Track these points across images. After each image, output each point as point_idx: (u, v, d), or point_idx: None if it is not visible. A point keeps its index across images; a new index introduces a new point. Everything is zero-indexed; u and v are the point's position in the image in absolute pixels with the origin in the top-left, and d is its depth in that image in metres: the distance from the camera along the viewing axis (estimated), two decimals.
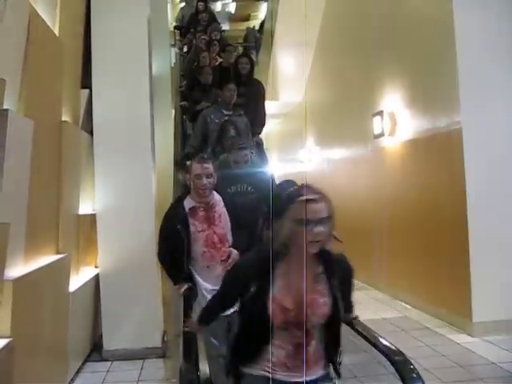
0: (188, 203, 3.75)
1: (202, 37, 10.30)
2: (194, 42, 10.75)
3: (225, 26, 17.65)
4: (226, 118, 6.30)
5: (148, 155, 5.85)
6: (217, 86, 7.46)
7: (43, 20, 4.14)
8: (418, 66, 6.88)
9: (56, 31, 4.61)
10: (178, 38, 13.44)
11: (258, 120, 7.24)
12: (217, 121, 6.31)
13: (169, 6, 13.05)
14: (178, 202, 3.93)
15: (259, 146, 7.19)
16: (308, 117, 12.27)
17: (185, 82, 9.66)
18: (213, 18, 12.44)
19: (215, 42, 9.61)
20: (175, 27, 13.71)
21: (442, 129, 6.23)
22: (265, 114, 7.45)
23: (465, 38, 5.88)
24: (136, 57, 5.87)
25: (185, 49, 12.16)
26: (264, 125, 7.45)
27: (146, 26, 6.00)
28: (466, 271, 5.69)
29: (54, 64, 4.48)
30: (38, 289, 3.77)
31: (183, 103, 8.65)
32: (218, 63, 8.99)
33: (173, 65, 11.46)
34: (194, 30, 11.60)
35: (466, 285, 5.69)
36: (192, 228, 3.68)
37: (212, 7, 15.04)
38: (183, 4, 15.83)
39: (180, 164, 6.40)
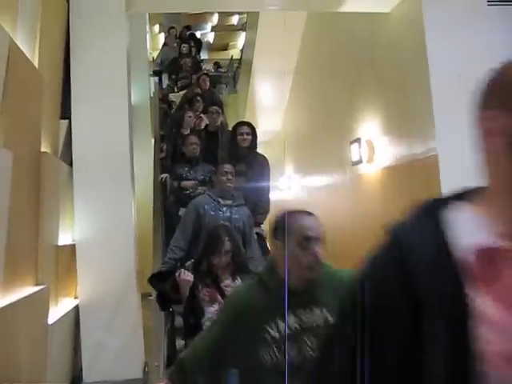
0: None
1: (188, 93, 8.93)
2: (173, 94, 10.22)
3: (203, 56, 17.81)
4: (225, 208, 5.07)
5: (128, 185, 5.85)
6: (204, 157, 6.25)
7: (22, 52, 4.16)
8: (395, 94, 7.01)
9: (35, 63, 4.63)
10: (156, 83, 12.42)
11: (260, 207, 6.20)
12: (212, 213, 5.07)
13: (148, 35, 13.13)
14: None
15: (261, 239, 5.90)
16: (287, 145, 12.38)
17: (164, 146, 7.96)
18: (197, 65, 11.51)
19: (198, 98, 8.21)
20: (154, 72, 12.53)
21: (419, 155, 6.32)
22: (269, 199, 6.30)
23: (437, 67, 6.00)
24: (115, 87, 5.91)
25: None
26: (268, 212, 6.16)
27: (125, 57, 6.05)
28: None
29: (33, 95, 4.48)
30: (16, 321, 3.72)
31: (164, 176, 6.72)
32: (203, 127, 7.43)
33: (152, 94, 11.52)
34: (176, 76, 10.89)
35: None
36: None
37: (196, 52, 13.80)
38: (162, 43, 14.81)
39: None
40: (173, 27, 13.73)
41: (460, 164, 5.82)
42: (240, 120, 5.87)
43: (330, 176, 9.55)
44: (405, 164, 6.68)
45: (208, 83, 8.96)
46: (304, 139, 10.94)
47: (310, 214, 2.47)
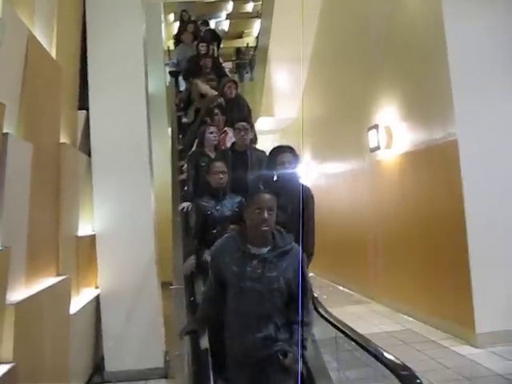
0: None
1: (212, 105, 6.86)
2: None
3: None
4: (255, 262, 3.31)
5: (146, 174, 5.87)
6: (231, 184, 4.98)
7: (41, 43, 4.17)
8: (413, 80, 6.93)
9: (53, 54, 4.64)
10: (173, 85, 11.07)
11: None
12: (235, 269, 3.39)
13: (162, 25, 13.12)
14: None
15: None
16: (304, 132, 12.32)
17: (185, 165, 6.51)
18: (218, 66, 9.74)
19: (216, 111, 6.47)
20: (170, 72, 11.46)
21: (438, 141, 6.25)
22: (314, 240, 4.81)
23: (457, 50, 5.93)
24: (132, 77, 5.91)
25: (186, 119, 8.82)
26: (313, 255, 4.69)
27: (142, 47, 6.05)
28: (467, 282, 5.68)
29: (51, 87, 4.49)
30: (39, 312, 3.75)
31: (185, 205, 5.54)
32: (229, 145, 6.00)
33: (167, 84, 11.51)
34: (194, 78, 8.84)
35: (468, 296, 5.67)
36: None
37: (216, 50, 11.73)
38: (175, 38, 12.60)
39: None
40: (185, 10, 12.58)
41: (481, 148, 5.80)
42: (279, 145, 4.21)
43: (347, 163, 9.49)
44: (424, 149, 6.62)
45: (234, 91, 7.39)
46: (321, 126, 10.88)
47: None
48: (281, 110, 12.60)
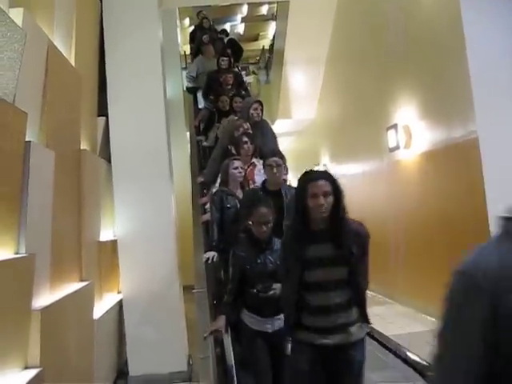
0: None
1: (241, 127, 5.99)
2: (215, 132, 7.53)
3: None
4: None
5: (166, 179, 5.90)
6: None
7: (60, 52, 4.22)
8: (431, 78, 6.88)
9: (72, 62, 4.69)
10: (191, 103, 10.15)
11: None
12: None
13: (178, 30, 13.17)
14: None
15: None
16: (322, 133, 12.29)
17: (207, 205, 5.65)
18: (239, 81, 8.96)
19: (245, 139, 5.54)
20: (187, 89, 10.32)
21: (458, 139, 6.20)
22: None
23: (476, 46, 5.88)
24: (150, 83, 5.95)
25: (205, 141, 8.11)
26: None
27: (159, 52, 6.09)
28: None
29: (71, 94, 4.54)
30: (64, 317, 3.80)
31: (211, 255, 4.79)
32: (259, 182, 5.19)
33: (185, 84, 11.51)
34: (215, 96, 8.27)
35: None
36: None
37: (237, 66, 10.94)
38: (193, 48, 11.99)
39: None
40: (205, 17, 11.79)
41: (502, 146, 5.73)
42: (310, 169, 2.93)
43: (366, 163, 9.45)
44: (444, 148, 6.57)
45: (261, 113, 6.40)
46: (339, 127, 10.86)
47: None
48: (298, 111, 12.60)
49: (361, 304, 3.07)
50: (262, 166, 5.09)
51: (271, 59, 14.64)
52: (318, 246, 2.99)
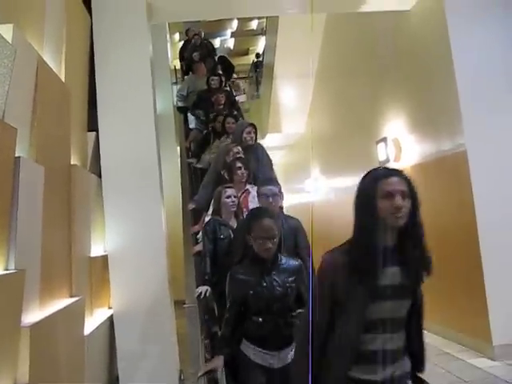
0: None
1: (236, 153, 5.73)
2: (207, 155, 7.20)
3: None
4: None
5: (157, 193, 5.89)
6: None
7: (50, 68, 4.22)
8: (420, 91, 6.95)
9: (62, 77, 4.70)
10: (181, 122, 9.87)
11: None
12: None
13: (168, 44, 13.22)
14: None
15: None
16: (312, 147, 12.35)
17: (200, 239, 5.42)
18: (231, 100, 8.64)
19: (239, 165, 5.34)
20: (178, 108, 10.09)
21: (447, 152, 6.26)
22: None
23: (463, 60, 5.96)
24: (140, 97, 5.96)
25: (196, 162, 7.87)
26: None
27: (149, 67, 6.10)
28: (482, 293, 5.64)
29: (61, 109, 4.54)
30: (54, 334, 3.76)
31: (203, 290, 4.51)
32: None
33: (175, 103, 11.54)
34: (206, 117, 8.12)
35: (483, 307, 5.63)
36: None
37: (229, 85, 10.73)
38: (183, 66, 12.11)
39: None
40: (196, 34, 11.84)
41: (490, 158, 5.79)
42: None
43: (357, 176, 9.39)
44: (433, 161, 6.62)
45: (254, 136, 6.17)
46: (329, 141, 10.91)
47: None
48: (288, 125, 12.65)
49: (420, 351, 2.54)
50: (256, 193, 4.77)
51: (261, 73, 14.72)
52: (385, 270, 2.23)
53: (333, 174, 11.05)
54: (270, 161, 6.32)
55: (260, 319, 3.27)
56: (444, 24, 6.03)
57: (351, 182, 9.74)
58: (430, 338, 6.60)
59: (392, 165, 7.68)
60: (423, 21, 6.77)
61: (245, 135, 6.19)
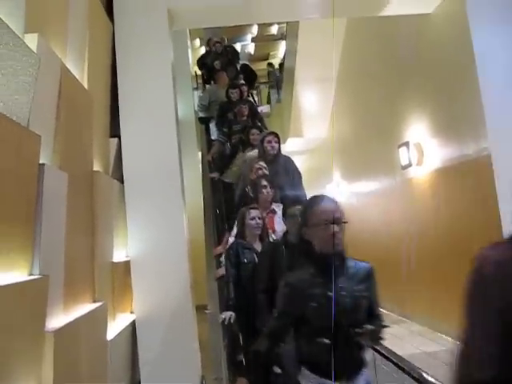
0: None
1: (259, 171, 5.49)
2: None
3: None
4: None
5: (178, 199, 5.91)
6: None
7: (73, 75, 4.26)
8: (441, 95, 6.89)
9: (85, 84, 4.74)
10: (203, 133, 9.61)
11: None
12: None
13: (189, 50, 13.29)
14: None
15: None
16: (334, 151, 12.32)
17: (223, 267, 5.19)
18: (253, 111, 8.33)
19: (264, 183, 5.11)
20: (199, 119, 9.96)
21: (470, 156, 6.19)
22: None
23: (485, 63, 5.88)
24: (162, 103, 5.99)
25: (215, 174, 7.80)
26: None
27: (171, 73, 6.14)
28: None
29: (84, 116, 4.58)
30: (77, 338, 3.79)
31: (228, 316, 4.55)
32: (280, 233, 4.72)
33: (197, 103, 11.56)
34: (228, 129, 7.85)
35: None
36: None
37: (251, 93, 10.60)
38: (205, 85, 11.68)
39: None
40: (218, 42, 11.76)
41: None
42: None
43: (379, 181, 9.44)
44: (456, 165, 6.56)
45: (277, 145, 5.80)
46: (351, 145, 10.86)
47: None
48: (309, 130, 12.64)
49: None
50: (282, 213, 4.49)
51: (282, 78, 14.74)
52: None
53: (354, 178, 11.00)
54: (299, 173, 5.96)
55: (326, 341, 2.59)
56: (466, 27, 5.97)
57: (373, 186, 9.70)
58: (455, 345, 6.51)
59: (414, 169, 7.62)
60: (445, 24, 6.72)
61: (265, 145, 5.93)
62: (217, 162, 8.14)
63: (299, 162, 14.33)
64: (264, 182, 5.22)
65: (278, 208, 4.97)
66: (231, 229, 5.13)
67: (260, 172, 5.55)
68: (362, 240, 9.76)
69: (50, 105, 3.67)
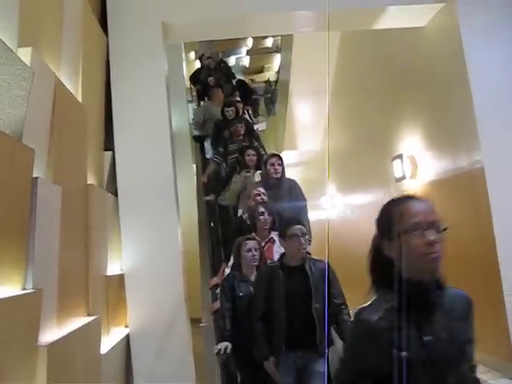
0: None
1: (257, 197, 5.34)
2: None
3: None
4: None
5: (173, 213, 5.91)
6: None
7: (67, 89, 4.28)
8: (435, 108, 6.92)
9: (79, 98, 4.75)
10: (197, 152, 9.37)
11: None
12: None
13: (184, 63, 13.34)
14: None
15: None
16: (328, 164, 12.34)
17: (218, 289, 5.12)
18: (249, 129, 8.04)
19: (262, 210, 5.03)
20: (194, 137, 9.69)
21: (464, 168, 6.21)
22: None
23: (478, 76, 5.93)
24: (156, 116, 6.00)
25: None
26: None
27: (165, 87, 6.16)
28: (501, 311, 5.55)
29: (78, 130, 4.59)
30: (71, 352, 3.77)
31: (223, 346, 4.36)
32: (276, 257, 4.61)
33: (191, 120, 11.61)
34: (224, 149, 7.55)
35: (504, 327, 5.53)
36: None
37: (247, 110, 10.17)
38: (196, 101, 11.71)
39: None
40: (210, 57, 11.68)
41: (509, 175, 5.73)
42: None
43: (373, 193, 9.45)
44: (450, 178, 6.57)
45: (280, 168, 5.56)
46: (345, 158, 10.88)
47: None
48: (304, 142, 12.66)
49: None
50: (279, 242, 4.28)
51: (276, 91, 14.79)
52: None
53: (349, 191, 11.02)
54: (304, 199, 5.67)
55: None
56: (459, 40, 6.03)
57: (367, 199, 9.71)
58: None
59: (408, 182, 7.64)
60: (438, 37, 6.77)
61: (268, 167, 5.62)
62: (212, 184, 7.73)
63: (294, 175, 14.37)
64: (261, 209, 4.95)
65: (276, 236, 4.63)
66: (228, 258, 4.90)
67: (258, 198, 5.27)
68: (355, 252, 9.76)
69: (43, 118, 3.68)
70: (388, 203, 2.18)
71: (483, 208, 5.76)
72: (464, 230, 6.28)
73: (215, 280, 5.32)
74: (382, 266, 1.97)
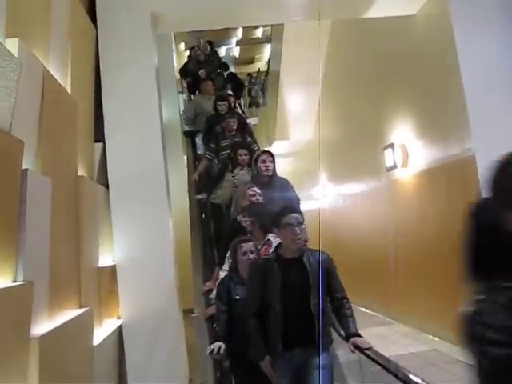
0: None
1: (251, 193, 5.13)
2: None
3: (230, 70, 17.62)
4: None
5: (164, 203, 5.90)
6: None
7: (56, 80, 4.24)
8: (426, 97, 6.94)
9: (68, 89, 4.71)
10: (189, 147, 9.13)
11: None
12: None
13: (174, 54, 13.26)
14: None
15: None
16: (320, 153, 12.35)
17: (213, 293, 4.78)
18: (242, 124, 7.77)
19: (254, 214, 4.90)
20: (185, 133, 9.38)
21: (455, 157, 6.23)
22: None
23: (469, 65, 5.93)
24: (146, 107, 5.98)
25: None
26: None
27: (155, 77, 6.13)
28: None
29: (67, 121, 4.56)
30: (63, 344, 3.76)
31: (217, 346, 4.00)
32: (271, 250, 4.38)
33: (181, 112, 11.50)
34: (216, 145, 7.22)
35: None
36: None
37: (238, 107, 9.67)
38: (185, 95, 11.66)
39: None
40: (199, 48, 11.38)
41: None
42: None
43: (365, 183, 9.47)
44: (441, 166, 6.59)
45: (272, 165, 5.42)
46: (336, 147, 10.89)
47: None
48: (295, 133, 12.65)
49: None
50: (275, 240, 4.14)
51: (267, 81, 14.76)
52: None
53: (340, 180, 11.04)
54: (298, 199, 5.58)
55: None
56: (450, 28, 6.02)
57: (359, 188, 9.73)
58: (443, 346, 6.55)
59: (400, 171, 7.66)
60: (429, 25, 6.77)
61: (259, 165, 5.45)
62: (204, 181, 7.46)
63: (285, 165, 14.38)
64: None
65: (274, 238, 4.39)
66: (222, 261, 4.81)
67: (253, 199, 5.05)
68: (347, 241, 9.79)
69: (32, 110, 3.65)
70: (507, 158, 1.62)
71: (474, 195, 5.77)
72: (455, 218, 6.30)
73: (209, 285, 5.10)
74: (503, 248, 1.51)
